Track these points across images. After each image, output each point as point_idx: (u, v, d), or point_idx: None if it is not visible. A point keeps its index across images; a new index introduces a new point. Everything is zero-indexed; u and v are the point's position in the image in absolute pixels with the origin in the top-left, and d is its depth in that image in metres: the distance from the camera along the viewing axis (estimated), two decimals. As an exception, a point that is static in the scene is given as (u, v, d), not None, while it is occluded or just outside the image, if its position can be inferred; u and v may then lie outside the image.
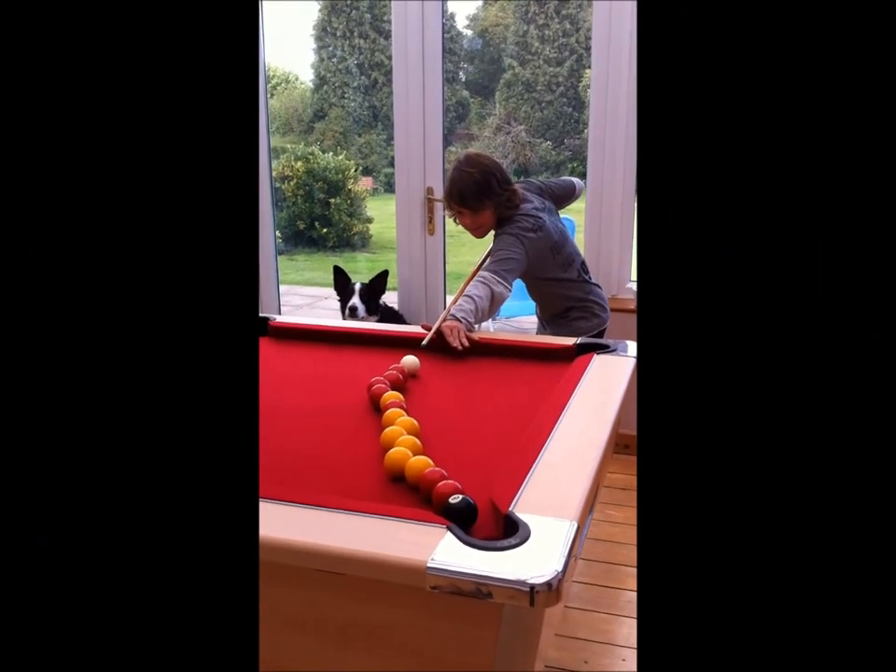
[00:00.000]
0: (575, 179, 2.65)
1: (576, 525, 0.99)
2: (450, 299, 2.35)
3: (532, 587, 0.86)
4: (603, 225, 2.99)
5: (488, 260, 2.32)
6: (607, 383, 1.65)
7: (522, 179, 2.54)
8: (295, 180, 8.36)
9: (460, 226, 2.42)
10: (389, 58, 2.94)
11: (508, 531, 0.99)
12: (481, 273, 2.26)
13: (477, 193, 2.28)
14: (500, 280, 2.21)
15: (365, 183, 9.41)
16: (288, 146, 9.39)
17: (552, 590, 0.86)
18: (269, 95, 3.69)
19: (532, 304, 2.67)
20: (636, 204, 3.13)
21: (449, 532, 0.97)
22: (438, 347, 1.98)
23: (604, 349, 1.89)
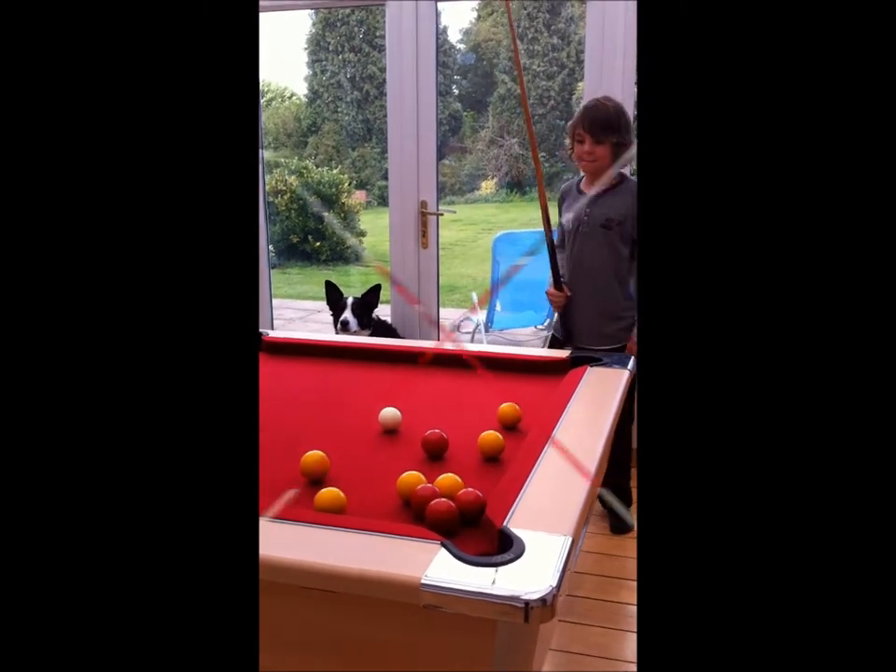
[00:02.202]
0: None
1: (570, 540, 0.99)
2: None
3: (527, 603, 0.85)
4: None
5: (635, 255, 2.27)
6: (601, 395, 1.65)
7: None
8: (288, 194, 8.37)
9: (579, 160, 2.34)
10: (381, 70, 2.90)
11: (502, 546, 0.99)
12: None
13: (606, 123, 2.26)
14: None
15: (358, 196, 9.43)
16: (282, 160, 9.41)
17: (546, 605, 0.86)
18: (262, 110, 3.69)
19: (523, 316, 2.67)
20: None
21: (443, 548, 0.96)
22: (439, 362, 1.98)
23: (597, 362, 1.89)
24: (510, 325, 4.26)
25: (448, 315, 5.66)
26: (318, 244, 8.50)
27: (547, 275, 2.38)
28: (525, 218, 8.98)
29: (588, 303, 2.37)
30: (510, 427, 1.52)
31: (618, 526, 2.48)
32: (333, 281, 3.12)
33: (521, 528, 1.02)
